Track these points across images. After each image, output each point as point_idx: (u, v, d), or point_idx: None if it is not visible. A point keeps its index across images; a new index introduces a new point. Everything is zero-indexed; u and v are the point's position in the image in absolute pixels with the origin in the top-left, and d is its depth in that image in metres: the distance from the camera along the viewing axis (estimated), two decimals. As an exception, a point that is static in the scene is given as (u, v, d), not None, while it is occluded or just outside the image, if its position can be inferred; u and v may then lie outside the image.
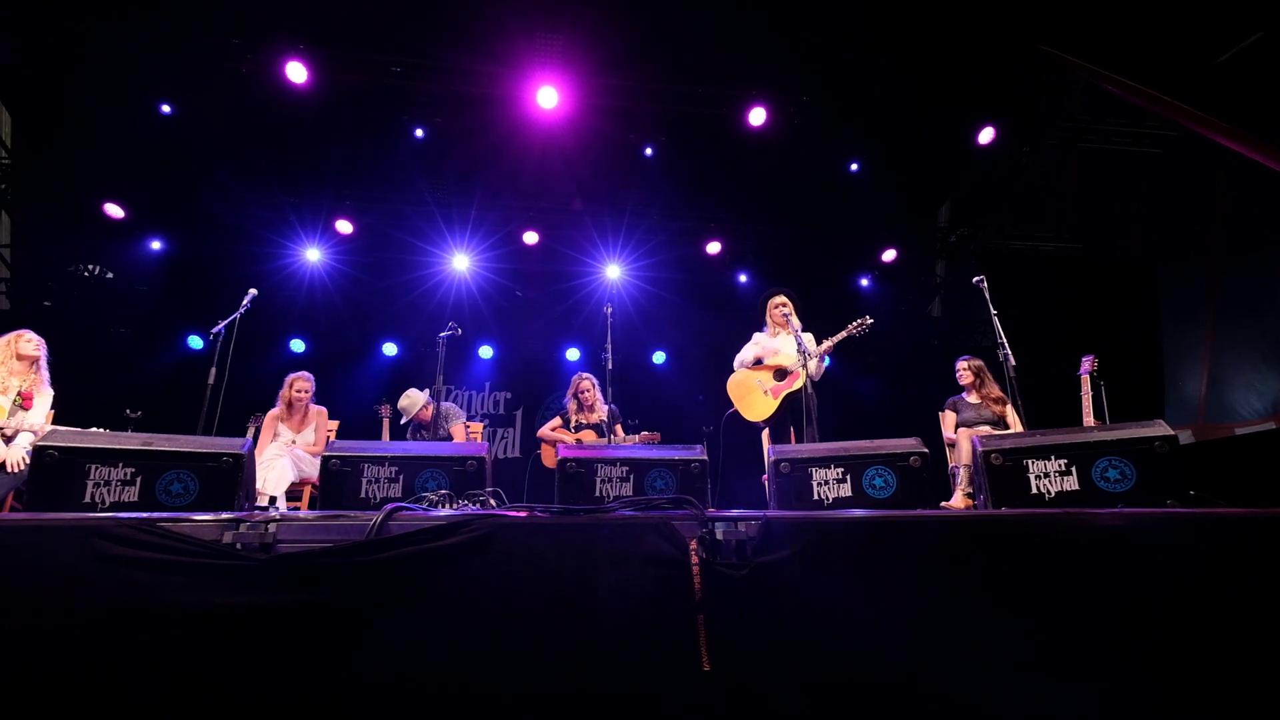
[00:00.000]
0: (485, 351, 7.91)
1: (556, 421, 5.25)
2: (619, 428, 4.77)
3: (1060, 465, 2.38)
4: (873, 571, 1.53)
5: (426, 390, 5.10)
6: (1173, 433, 2.26)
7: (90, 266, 7.10)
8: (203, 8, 5.44)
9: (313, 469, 4.50)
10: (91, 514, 1.68)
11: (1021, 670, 1.51)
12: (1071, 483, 2.35)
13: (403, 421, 5.15)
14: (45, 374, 3.72)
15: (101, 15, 5.38)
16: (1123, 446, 2.30)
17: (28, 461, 3.34)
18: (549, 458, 5.18)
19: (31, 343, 3.66)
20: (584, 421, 5.11)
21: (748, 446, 4.67)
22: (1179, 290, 7.19)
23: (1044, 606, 1.57)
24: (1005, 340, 3.66)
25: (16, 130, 6.59)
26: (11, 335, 3.64)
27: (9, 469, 3.32)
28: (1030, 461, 2.41)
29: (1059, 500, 2.36)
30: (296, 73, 5.62)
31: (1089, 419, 4.17)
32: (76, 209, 6.62)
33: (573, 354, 7.94)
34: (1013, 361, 3.62)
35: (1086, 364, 4.32)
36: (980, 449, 2.48)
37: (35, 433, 3.49)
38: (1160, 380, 7.19)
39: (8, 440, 3.43)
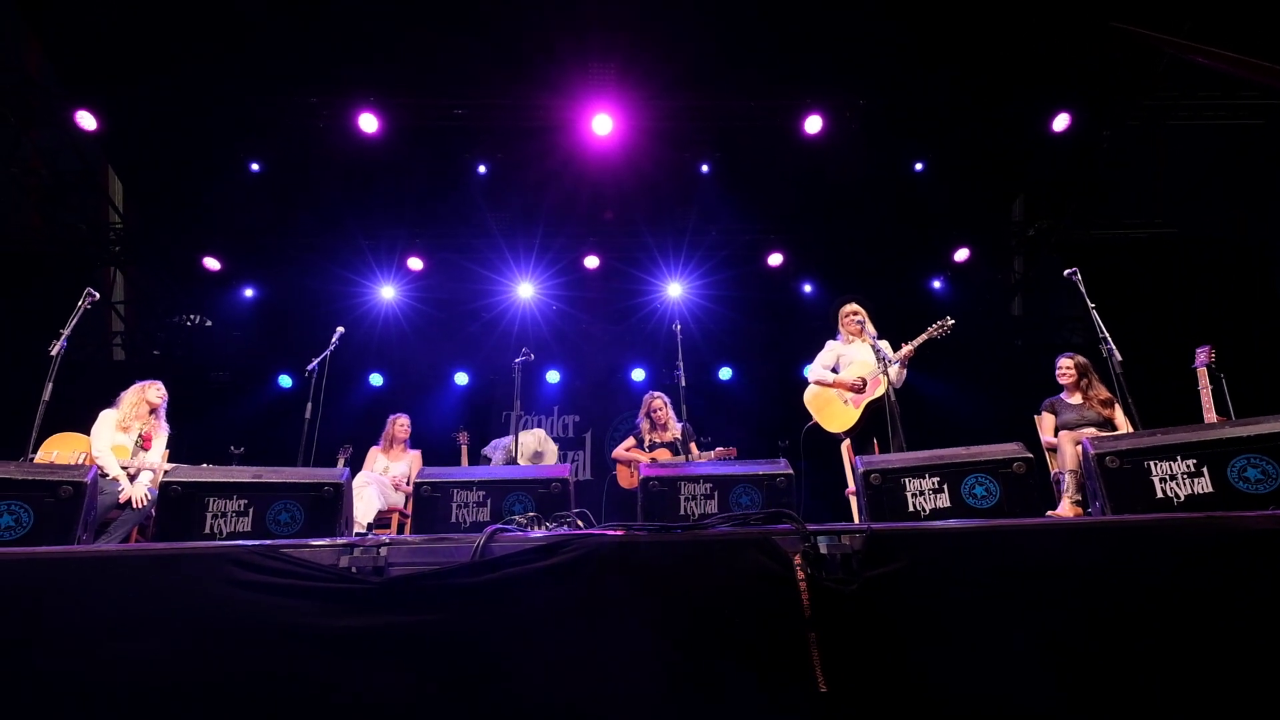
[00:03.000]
0: (552, 376, 8.04)
1: (630, 442, 5.25)
2: (693, 445, 4.72)
3: (1188, 466, 2.17)
4: (999, 585, 1.42)
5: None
6: (1324, 425, 2.02)
7: (192, 316, 7.73)
8: (283, 71, 5.90)
9: (397, 497, 4.73)
10: (223, 543, 1.79)
11: (1173, 687, 1.36)
12: (1204, 485, 2.14)
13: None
14: (163, 418, 4.05)
15: (195, 86, 5.91)
16: (1263, 443, 2.08)
17: (149, 498, 3.62)
18: (624, 478, 5.18)
19: (161, 393, 4.04)
20: (658, 440, 5.09)
21: (823, 462, 4.52)
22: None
23: (1190, 618, 1.42)
24: (1108, 335, 3.39)
25: (127, 196, 7.30)
26: (146, 383, 4.04)
27: (134, 505, 3.60)
28: (1152, 463, 2.21)
29: (1190, 505, 2.14)
30: (368, 123, 5.99)
31: (1211, 415, 3.79)
32: (179, 264, 7.24)
33: (638, 374, 7.96)
34: (1118, 357, 3.35)
35: (1203, 355, 3.91)
36: (1093, 451, 2.30)
37: (154, 471, 3.79)
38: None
39: (131, 479, 3.73)
